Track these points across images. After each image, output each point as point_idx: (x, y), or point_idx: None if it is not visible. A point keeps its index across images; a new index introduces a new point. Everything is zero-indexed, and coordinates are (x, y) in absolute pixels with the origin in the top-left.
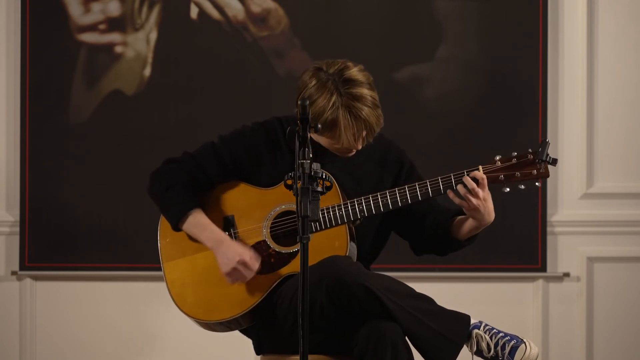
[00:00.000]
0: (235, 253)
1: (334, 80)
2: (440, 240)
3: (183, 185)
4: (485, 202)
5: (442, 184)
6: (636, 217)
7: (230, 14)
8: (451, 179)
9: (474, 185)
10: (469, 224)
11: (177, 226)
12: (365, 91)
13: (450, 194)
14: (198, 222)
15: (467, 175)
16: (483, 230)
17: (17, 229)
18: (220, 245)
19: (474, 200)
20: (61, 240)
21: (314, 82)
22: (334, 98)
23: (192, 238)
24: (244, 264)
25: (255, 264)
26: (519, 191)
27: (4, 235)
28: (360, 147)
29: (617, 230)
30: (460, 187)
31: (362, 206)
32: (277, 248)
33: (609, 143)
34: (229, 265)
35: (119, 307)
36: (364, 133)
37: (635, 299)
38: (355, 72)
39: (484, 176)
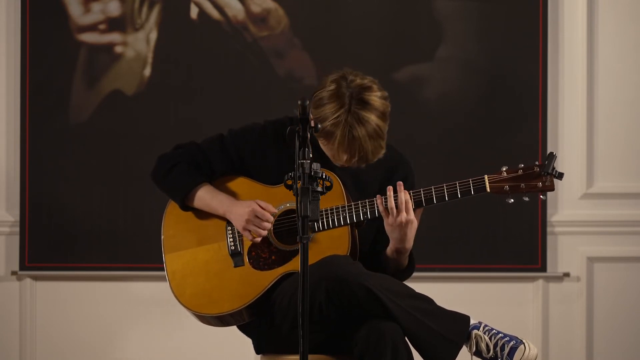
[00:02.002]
0: (246, 205)
1: (350, 95)
2: (373, 261)
3: (187, 164)
4: (404, 226)
5: (447, 192)
6: (636, 217)
7: (230, 14)
8: (456, 187)
9: (392, 204)
10: (390, 247)
11: (184, 201)
12: (374, 118)
13: (379, 200)
14: (207, 191)
15: (472, 184)
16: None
17: (17, 229)
18: (232, 206)
19: (391, 217)
20: (61, 240)
21: (332, 88)
22: (340, 111)
23: (194, 231)
24: (256, 212)
25: (267, 213)
26: (521, 198)
27: (4, 235)
28: (350, 165)
29: (617, 230)
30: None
31: (367, 209)
32: (279, 245)
33: (609, 143)
34: (243, 217)
35: (119, 307)
36: (356, 156)
37: (635, 299)
38: (375, 97)
39: (409, 200)
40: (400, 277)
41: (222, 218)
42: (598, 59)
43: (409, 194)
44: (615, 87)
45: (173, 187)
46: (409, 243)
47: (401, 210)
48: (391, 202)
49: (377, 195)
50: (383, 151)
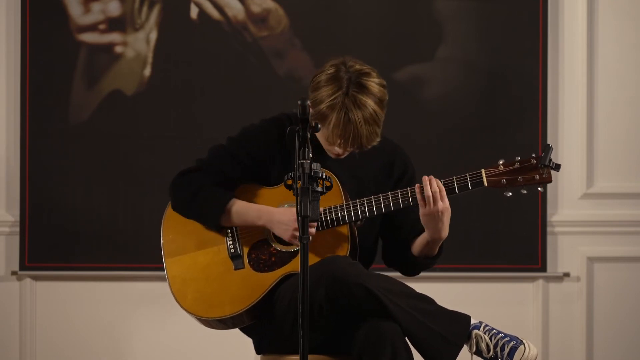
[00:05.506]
0: (288, 219)
1: (348, 79)
2: (400, 251)
3: (209, 187)
4: (442, 215)
5: (445, 188)
6: (636, 217)
7: (230, 14)
8: (453, 182)
9: (429, 193)
10: (423, 236)
11: (218, 223)
12: (371, 102)
13: (418, 189)
14: (238, 209)
15: (469, 178)
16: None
17: (17, 229)
18: (272, 217)
19: (428, 207)
20: (61, 240)
21: (331, 71)
22: (338, 94)
23: (194, 234)
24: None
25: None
26: (519, 191)
27: (4, 235)
28: (343, 152)
29: (617, 230)
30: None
31: (364, 207)
32: (278, 247)
33: (609, 143)
34: (289, 231)
35: (119, 307)
36: (350, 140)
37: (635, 299)
38: (373, 83)
39: (443, 188)
40: (429, 264)
41: None
42: (598, 59)
43: (441, 182)
44: (615, 87)
45: (204, 213)
46: (445, 232)
47: (437, 199)
48: (428, 191)
49: (416, 185)
50: (378, 139)
